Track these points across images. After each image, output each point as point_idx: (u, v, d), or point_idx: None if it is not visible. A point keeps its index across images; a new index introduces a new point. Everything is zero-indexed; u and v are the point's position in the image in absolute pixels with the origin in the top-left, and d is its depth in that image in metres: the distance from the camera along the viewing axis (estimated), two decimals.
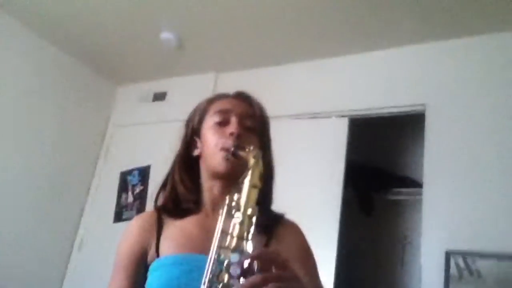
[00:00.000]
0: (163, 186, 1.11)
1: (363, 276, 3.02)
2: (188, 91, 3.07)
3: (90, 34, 3.07)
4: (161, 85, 3.43)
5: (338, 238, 2.49)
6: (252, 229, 0.82)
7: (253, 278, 0.70)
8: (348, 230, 2.60)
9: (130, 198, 3.15)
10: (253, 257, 0.73)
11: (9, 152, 2.92)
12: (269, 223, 1.02)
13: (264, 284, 0.69)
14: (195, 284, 0.79)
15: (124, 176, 3.23)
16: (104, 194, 3.28)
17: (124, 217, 3.04)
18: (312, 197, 2.60)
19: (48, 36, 3.12)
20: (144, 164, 3.10)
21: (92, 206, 3.31)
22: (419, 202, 2.52)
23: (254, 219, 0.83)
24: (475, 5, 2.35)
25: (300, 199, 2.54)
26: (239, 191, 0.87)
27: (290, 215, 1.11)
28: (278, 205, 1.11)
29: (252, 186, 0.87)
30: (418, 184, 2.70)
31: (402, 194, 3.02)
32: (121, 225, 2.99)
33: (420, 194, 2.49)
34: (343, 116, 2.76)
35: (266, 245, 1.00)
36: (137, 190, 3.13)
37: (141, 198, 3.04)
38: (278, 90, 2.95)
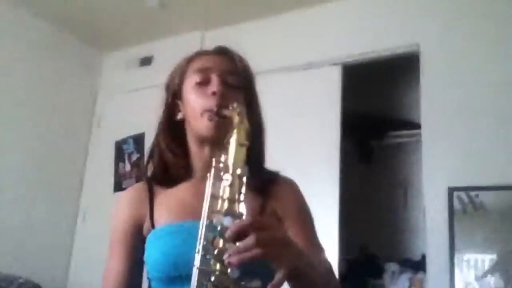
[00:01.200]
0: (151, 155, 1.07)
1: (368, 222, 3.04)
2: (175, 53, 2.93)
3: (71, 2, 2.94)
4: (146, 49, 3.32)
5: (340, 188, 2.47)
6: (243, 189, 0.80)
7: (247, 240, 0.70)
8: (349, 179, 2.59)
9: (128, 167, 3.12)
10: (245, 224, 0.73)
11: None
12: (264, 183, 0.99)
13: (257, 246, 0.70)
14: (194, 251, 0.78)
15: (119, 145, 3.19)
16: (101, 164, 3.25)
17: (123, 186, 3.02)
18: (310, 150, 2.57)
19: (29, 6, 2.98)
20: (138, 131, 3.05)
21: (91, 177, 3.29)
22: (418, 143, 2.50)
23: (244, 179, 0.80)
24: None
25: (298, 153, 2.52)
26: (227, 152, 0.84)
27: (289, 171, 1.07)
28: (274, 162, 1.07)
29: (239, 145, 0.83)
30: (416, 126, 2.67)
31: (401, 137, 2.99)
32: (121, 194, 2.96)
33: (419, 135, 2.46)
34: (335, 64, 2.68)
35: (263, 206, 0.97)
36: (134, 158, 3.11)
37: (138, 166, 3.01)
38: (267, 43, 2.86)
